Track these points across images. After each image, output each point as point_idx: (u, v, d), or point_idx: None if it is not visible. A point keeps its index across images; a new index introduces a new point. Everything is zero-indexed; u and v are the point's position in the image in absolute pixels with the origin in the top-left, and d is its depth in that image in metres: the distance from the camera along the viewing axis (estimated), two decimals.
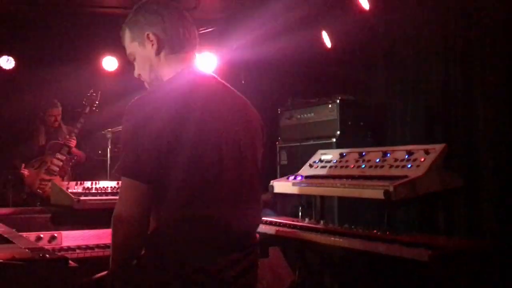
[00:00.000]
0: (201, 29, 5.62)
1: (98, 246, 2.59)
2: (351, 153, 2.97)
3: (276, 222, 2.91)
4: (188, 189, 1.55)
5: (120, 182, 1.59)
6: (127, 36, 1.76)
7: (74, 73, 5.46)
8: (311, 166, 3.12)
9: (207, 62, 5.61)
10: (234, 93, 1.77)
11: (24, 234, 2.46)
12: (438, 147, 2.59)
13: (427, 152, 2.58)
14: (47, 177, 4.61)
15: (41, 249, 1.46)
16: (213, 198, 1.58)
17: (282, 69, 5.35)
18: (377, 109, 4.29)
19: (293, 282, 3.11)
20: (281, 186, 2.97)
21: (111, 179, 3.21)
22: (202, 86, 1.67)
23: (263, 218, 3.06)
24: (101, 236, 2.62)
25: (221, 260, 1.56)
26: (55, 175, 4.65)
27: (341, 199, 3.25)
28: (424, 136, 3.77)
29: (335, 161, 3.00)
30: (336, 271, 3.12)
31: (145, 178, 1.51)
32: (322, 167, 3.03)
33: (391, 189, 2.37)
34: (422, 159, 2.56)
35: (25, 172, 4.59)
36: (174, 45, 1.69)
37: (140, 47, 1.72)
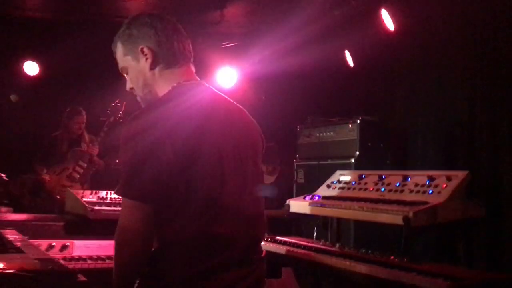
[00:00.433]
0: (224, 43, 5.66)
1: (109, 257, 2.55)
2: (371, 175, 2.91)
3: (288, 242, 2.86)
4: (190, 207, 1.52)
5: None
6: (119, 50, 1.72)
7: (97, 81, 5.52)
8: (328, 186, 3.06)
9: (227, 76, 5.63)
10: (232, 105, 1.72)
11: (36, 241, 2.45)
12: (460, 174, 2.51)
13: (449, 178, 2.51)
14: (68, 184, 4.63)
15: (51, 260, 1.43)
16: (216, 215, 1.55)
17: (303, 86, 5.33)
18: (398, 132, 4.23)
19: None
20: (297, 205, 2.91)
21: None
22: (199, 101, 1.61)
23: (276, 237, 3.01)
24: (112, 247, 2.58)
25: (226, 276, 1.53)
26: (76, 182, 4.67)
27: (358, 221, 3.18)
28: (446, 161, 3.69)
29: (353, 182, 2.94)
30: None
31: (146, 198, 1.47)
32: (340, 188, 2.98)
33: (410, 215, 2.30)
34: (444, 186, 2.49)
35: (46, 177, 4.62)
36: (169, 59, 1.66)
37: (134, 62, 1.67)
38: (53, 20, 5.41)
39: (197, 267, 1.51)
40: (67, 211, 2.98)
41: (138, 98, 1.75)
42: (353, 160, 3.96)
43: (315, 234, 3.66)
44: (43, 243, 2.49)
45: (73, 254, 2.55)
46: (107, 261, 2.54)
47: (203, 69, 5.53)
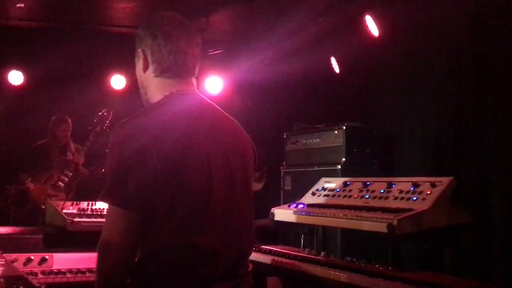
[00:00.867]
0: (210, 51, 5.63)
1: (90, 270, 2.50)
2: (355, 182, 2.88)
3: (273, 251, 2.81)
4: (175, 217, 1.48)
5: None
6: None
7: (83, 91, 5.47)
8: (313, 194, 3.03)
9: (213, 84, 5.60)
10: (224, 117, 1.70)
11: (14, 255, 2.40)
12: (445, 180, 2.49)
13: (433, 185, 2.48)
14: (53, 193, 4.57)
15: (20, 278, 1.38)
16: (202, 226, 1.51)
17: (290, 92, 5.32)
18: (384, 138, 4.21)
19: None
20: (282, 214, 2.87)
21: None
22: (188, 111, 1.60)
23: (262, 247, 2.97)
24: (93, 259, 2.52)
25: None
26: (61, 191, 4.60)
27: (344, 229, 3.14)
28: (433, 167, 3.67)
29: (338, 190, 2.91)
30: None
31: (131, 206, 1.45)
32: (325, 195, 2.94)
33: (394, 222, 2.27)
34: (428, 192, 2.46)
35: (31, 186, 4.55)
36: (161, 67, 1.64)
37: (136, 61, 1.70)
38: (37, 29, 5.35)
39: (180, 280, 1.48)
40: (48, 223, 2.92)
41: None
42: (339, 167, 3.93)
43: (302, 242, 3.63)
44: (21, 257, 2.43)
45: (52, 268, 2.49)
46: (88, 274, 2.49)
47: None
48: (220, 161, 1.58)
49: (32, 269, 2.42)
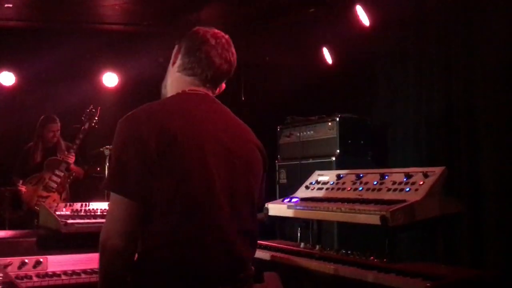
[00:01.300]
0: None
1: (85, 271, 2.49)
2: (349, 174, 2.88)
3: (271, 246, 2.82)
4: (175, 212, 1.48)
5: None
6: None
7: (74, 89, 5.44)
8: (307, 187, 3.03)
9: None
10: (236, 122, 1.71)
11: (8, 259, 2.39)
12: (437, 170, 2.49)
13: (426, 175, 2.48)
14: (45, 194, 4.54)
15: (9, 284, 1.37)
16: (203, 224, 1.51)
17: (284, 85, 5.29)
18: (378, 129, 4.21)
19: None
20: (276, 208, 2.87)
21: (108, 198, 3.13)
22: (197, 110, 1.60)
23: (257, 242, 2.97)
24: (88, 260, 2.53)
25: None
26: (53, 191, 4.58)
27: (339, 222, 3.15)
28: (426, 157, 3.67)
29: (332, 182, 2.91)
30: None
31: (132, 194, 1.46)
32: (319, 189, 2.94)
33: (387, 214, 2.27)
34: (421, 183, 2.46)
35: (23, 188, 4.53)
36: (187, 68, 1.67)
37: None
38: (27, 29, 5.31)
39: (179, 279, 1.47)
40: (41, 225, 2.90)
41: None
42: (333, 159, 3.93)
43: (299, 236, 3.64)
44: (15, 261, 2.42)
45: (47, 270, 2.48)
46: (83, 275, 2.48)
47: None
48: (223, 164, 1.57)
49: (26, 272, 2.41)
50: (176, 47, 1.72)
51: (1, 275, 1.58)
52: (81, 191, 4.82)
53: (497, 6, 3.07)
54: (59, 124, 4.87)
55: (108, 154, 2.87)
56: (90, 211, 2.88)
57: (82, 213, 2.85)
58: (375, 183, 2.67)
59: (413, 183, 2.50)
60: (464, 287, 2.10)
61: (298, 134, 4.30)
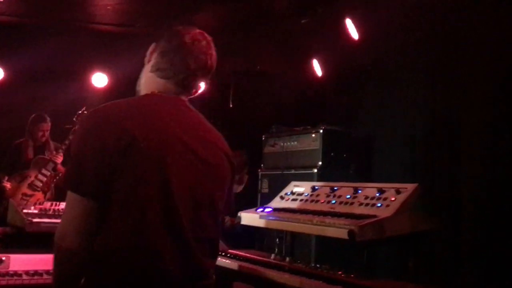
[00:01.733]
0: None
1: (47, 272, 2.45)
2: (323, 187, 2.84)
3: (241, 256, 2.77)
4: (131, 214, 1.45)
5: None
6: None
7: (64, 88, 5.41)
8: (282, 198, 2.99)
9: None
10: (203, 127, 1.66)
11: None
12: (410, 187, 2.45)
13: (398, 191, 2.45)
14: (30, 192, 4.50)
15: None
16: (158, 228, 1.47)
17: (272, 94, 5.28)
18: (362, 142, 4.18)
19: None
20: (248, 217, 2.83)
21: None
22: (162, 112, 1.57)
23: (229, 251, 2.93)
24: (52, 261, 2.48)
25: None
26: (38, 190, 4.54)
27: (309, 234, 3.11)
28: (408, 173, 3.64)
29: (306, 194, 2.87)
30: None
31: (89, 194, 1.43)
32: (293, 200, 2.90)
33: (356, 229, 2.23)
34: (393, 199, 2.43)
35: (7, 185, 4.49)
36: (159, 69, 1.64)
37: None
38: (18, 25, 5.29)
39: (128, 285, 1.43)
40: (9, 223, 2.86)
41: None
42: (315, 170, 3.90)
43: (276, 246, 3.59)
44: None
45: (8, 269, 2.44)
46: (45, 276, 2.44)
47: None
48: (187, 169, 1.53)
49: None
50: (153, 45, 1.69)
51: None
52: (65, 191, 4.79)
53: (481, 22, 3.06)
54: (49, 123, 4.86)
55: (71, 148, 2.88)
56: (59, 211, 2.83)
57: (50, 212, 2.80)
58: (348, 196, 2.63)
59: (385, 199, 2.46)
60: None
61: (282, 144, 4.27)
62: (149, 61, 1.69)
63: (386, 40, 3.91)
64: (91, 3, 4.98)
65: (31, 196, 4.40)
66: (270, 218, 2.71)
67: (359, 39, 4.04)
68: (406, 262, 2.37)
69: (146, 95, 1.65)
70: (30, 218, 2.64)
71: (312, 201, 2.78)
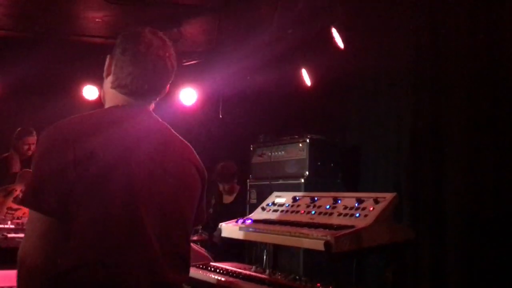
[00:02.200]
0: (183, 61, 5.59)
1: None
2: (304, 197, 2.80)
3: (220, 269, 2.73)
4: (94, 230, 1.42)
5: None
6: None
7: (55, 101, 5.41)
8: (263, 209, 2.95)
9: (187, 95, 5.55)
10: (171, 139, 1.63)
11: None
12: (388, 196, 2.41)
13: (376, 201, 2.41)
14: (15, 206, 4.47)
15: None
16: (123, 244, 1.44)
17: (261, 104, 5.26)
18: (350, 151, 4.15)
19: None
20: (228, 229, 2.79)
21: None
22: (126, 126, 1.54)
23: (210, 264, 2.89)
24: None
25: None
26: None
27: (287, 246, 3.07)
28: (394, 181, 3.61)
29: (287, 205, 2.83)
30: None
31: (49, 211, 1.39)
32: (274, 211, 2.86)
33: (332, 240, 2.19)
34: (371, 209, 2.38)
35: None
36: (119, 82, 1.59)
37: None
38: (8, 38, 5.31)
39: None
40: None
41: None
42: (302, 180, 3.87)
43: (264, 259, 3.55)
44: None
45: None
46: None
47: None
48: (152, 182, 1.50)
49: None
50: (108, 58, 1.64)
51: None
52: None
53: (466, 34, 3.04)
54: (35, 137, 4.84)
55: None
56: None
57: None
58: (327, 207, 2.59)
59: (363, 209, 2.42)
60: None
61: (270, 154, 4.24)
62: (107, 75, 1.64)
63: (370, 49, 3.89)
64: (80, 16, 5.00)
65: (16, 210, 4.37)
66: (250, 230, 2.67)
67: (345, 49, 4.02)
68: (384, 273, 2.31)
69: (109, 108, 1.62)
70: (5, 233, 2.61)
71: (292, 211, 2.74)
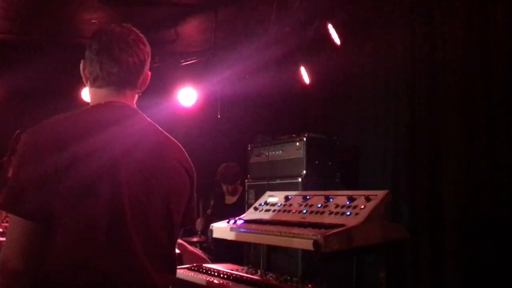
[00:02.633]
0: (181, 61, 5.56)
1: None
2: (296, 196, 2.74)
3: (212, 270, 2.67)
4: (76, 233, 1.39)
5: None
6: None
7: (53, 104, 5.40)
8: (256, 209, 2.89)
9: (186, 96, 5.51)
10: (158, 137, 1.60)
11: None
12: (380, 194, 2.34)
13: (368, 199, 2.34)
14: None
15: None
16: (106, 247, 1.41)
17: (260, 104, 5.21)
18: (348, 150, 4.07)
19: None
20: (219, 230, 2.73)
21: None
22: (109, 124, 1.50)
23: (203, 265, 2.84)
24: None
25: None
26: None
27: (278, 246, 3.01)
28: (394, 180, 3.54)
29: (279, 204, 2.77)
30: None
31: (29, 214, 1.36)
32: (266, 210, 2.80)
33: (321, 240, 2.12)
34: (362, 207, 2.32)
35: None
36: (92, 77, 1.59)
37: None
38: (5, 42, 5.31)
39: None
40: None
41: None
42: (300, 179, 3.81)
43: (261, 259, 3.49)
44: None
45: None
46: None
47: (162, 88, 5.41)
48: (136, 183, 1.47)
49: None
50: (82, 62, 1.61)
51: None
52: None
53: (464, 29, 2.97)
54: None
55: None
56: None
57: None
58: (319, 206, 2.53)
59: (354, 207, 2.35)
60: None
61: (267, 153, 4.18)
62: (86, 80, 1.62)
63: (369, 46, 3.83)
64: (76, 18, 4.98)
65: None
66: (240, 230, 2.62)
67: (343, 48, 3.95)
68: (377, 273, 2.24)
69: (93, 106, 1.59)
70: None
71: (284, 211, 2.68)
